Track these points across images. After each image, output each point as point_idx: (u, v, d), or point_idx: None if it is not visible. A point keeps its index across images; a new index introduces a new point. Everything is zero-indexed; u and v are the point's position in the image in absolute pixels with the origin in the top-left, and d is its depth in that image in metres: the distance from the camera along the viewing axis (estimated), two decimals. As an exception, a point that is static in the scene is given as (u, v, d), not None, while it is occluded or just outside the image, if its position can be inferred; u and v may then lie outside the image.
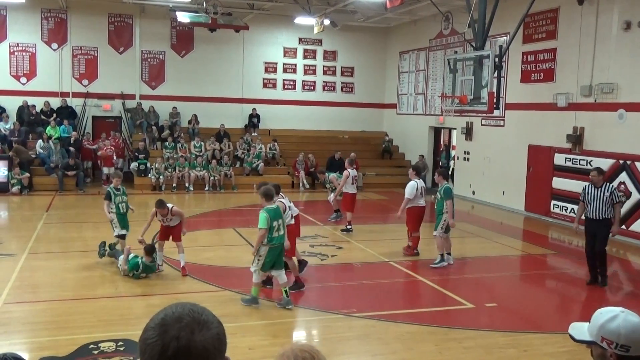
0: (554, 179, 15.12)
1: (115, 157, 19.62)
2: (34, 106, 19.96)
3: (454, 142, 20.85)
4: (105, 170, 19.20)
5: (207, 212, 15.71)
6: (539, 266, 11.26)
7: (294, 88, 23.60)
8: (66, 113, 20.33)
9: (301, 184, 20.23)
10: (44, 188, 17.98)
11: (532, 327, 7.57)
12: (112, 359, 6.06)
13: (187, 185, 19.12)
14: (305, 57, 23.61)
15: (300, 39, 23.28)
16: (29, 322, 7.25)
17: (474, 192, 18.67)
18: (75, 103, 20.81)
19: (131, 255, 9.16)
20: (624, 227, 12.84)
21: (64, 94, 20.77)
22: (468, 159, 19.11)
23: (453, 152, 20.86)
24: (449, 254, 10.61)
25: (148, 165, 19.25)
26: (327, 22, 19.19)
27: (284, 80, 23.40)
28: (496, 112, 15.70)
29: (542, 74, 15.73)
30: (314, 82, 23.80)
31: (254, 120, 22.57)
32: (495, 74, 13.91)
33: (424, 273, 9.98)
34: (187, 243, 10.62)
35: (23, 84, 20.52)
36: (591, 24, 14.07)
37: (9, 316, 7.35)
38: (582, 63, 14.34)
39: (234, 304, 7.92)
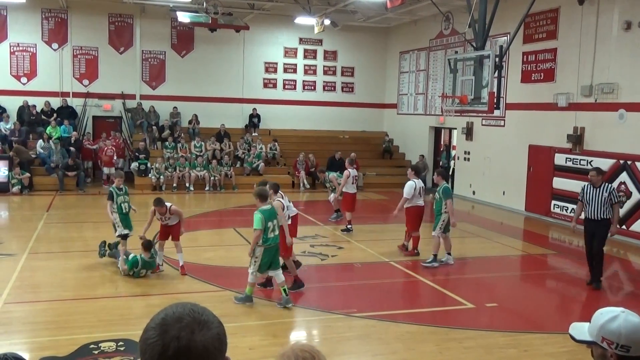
0: (555, 179, 15.12)
1: (115, 157, 19.63)
2: (34, 106, 19.97)
3: (454, 142, 20.84)
4: (106, 170, 19.21)
5: (207, 212, 15.71)
6: (539, 266, 11.26)
7: (295, 88, 23.60)
8: (66, 113, 20.34)
9: (301, 184, 20.23)
10: (44, 188, 17.98)
11: (532, 327, 7.57)
12: (113, 359, 6.06)
13: (187, 185, 19.13)
14: (305, 57, 23.61)
15: (300, 39, 23.28)
16: (29, 322, 7.25)
17: (474, 192, 18.67)
18: (75, 103, 20.81)
19: (131, 255, 9.19)
20: (624, 227, 12.86)
21: (65, 94, 20.78)
22: (468, 159, 19.11)
23: (453, 152, 20.86)
24: (449, 254, 10.61)
25: (148, 165, 19.25)
26: (327, 22, 19.19)
27: (284, 80, 23.41)
28: (496, 112, 15.70)
29: (542, 74, 15.73)
30: (315, 82, 23.80)
31: (254, 120, 22.58)
32: (496, 74, 13.91)
33: (424, 273, 9.98)
34: (188, 243, 10.64)
35: (23, 84, 20.53)
36: (591, 24, 14.07)
37: (10, 316, 7.35)
38: (582, 63, 14.34)
39: (235, 304, 7.92)
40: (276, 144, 21.69)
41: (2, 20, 20.14)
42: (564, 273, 10.73)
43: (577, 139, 14.49)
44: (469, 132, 18.93)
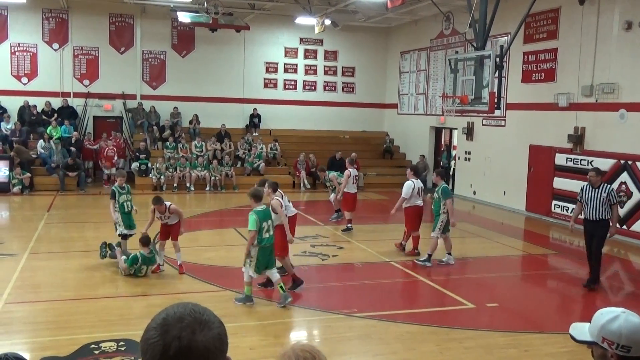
0: (555, 179, 15.11)
1: (116, 157, 19.63)
2: (35, 106, 19.98)
3: (454, 142, 20.84)
4: (106, 171, 19.22)
5: (208, 212, 15.71)
6: (539, 266, 11.26)
7: (295, 88, 23.60)
8: (67, 113, 20.35)
9: (302, 184, 20.23)
10: (45, 188, 17.99)
11: (533, 327, 7.57)
12: (113, 359, 6.07)
13: (188, 185, 19.14)
14: (306, 57, 23.62)
15: (301, 39, 23.28)
16: (30, 322, 7.26)
17: (474, 192, 18.66)
18: (76, 103, 20.82)
19: (131, 255, 9.20)
20: (625, 227, 12.85)
21: (65, 94, 20.79)
22: (469, 159, 19.11)
23: (454, 152, 20.86)
24: (449, 254, 10.61)
25: (149, 165, 19.26)
26: (328, 22, 19.18)
27: (284, 80, 23.41)
28: (497, 112, 15.69)
29: (543, 74, 15.73)
30: (315, 82, 23.80)
31: (254, 120, 22.58)
32: (496, 74, 13.91)
33: (424, 273, 9.98)
34: (188, 243, 10.66)
35: (24, 84, 20.54)
36: (592, 24, 14.07)
37: (10, 316, 7.36)
38: (583, 63, 14.34)
39: (236, 304, 7.92)
40: (277, 144, 21.69)
41: (3, 20, 20.15)
42: (564, 273, 10.72)
43: (577, 139, 14.49)
44: (469, 132, 18.92)
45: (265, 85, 23.17)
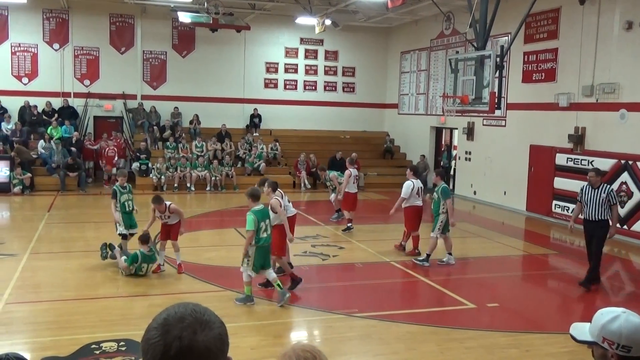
0: (556, 179, 15.11)
1: (117, 158, 19.64)
2: (35, 106, 19.99)
3: (455, 142, 20.84)
4: (107, 173, 19.24)
5: (208, 212, 15.72)
6: (540, 266, 11.25)
7: (295, 88, 23.61)
8: (68, 113, 20.35)
9: (302, 184, 20.23)
10: (45, 188, 18.00)
11: (533, 327, 7.57)
12: (114, 359, 6.07)
13: (188, 185, 19.14)
14: (306, 57, 23.62)
15: (301, 39, 23.28)
16: (30, 322, 7.26)
17: (475, 192, 18.66)
18: (76, 103, 20.83)
19: (130, 255, 9.21)
20: (625, 227, 12.85)
21: (66, 94, 20.80)
22: (469, 159, 19.10)
23: (454, 152, 20.86)
24: (449, 254, 10.61)
25: (149, 165, 19.26)
26: (328, 22, 19.18)
27: (285, 80, 23.42)
28: (497, 112, 15.68)
29: (543, 73, 15.73)
30: (315, 82, 23.80)
31: (255, 120, 22.59)
32: (497, 74, 13.90)
33: (425, 273, 9.98)
34: (189, 243, 10.67)
35: (25, 84, 20.55)
36: (593, 23, 14.06)
37: (11, 316, 7.36)
38: (583, 63, 14.34)
39: (236, 305, 7.92)
40: (277, 144, 21.69)
41: (4, 20, 20.16)
42: (565, 273, 10.72)
43: (578, 139, 14.49)
44: (470, 132, 18.92)
45: (266, 85, 23.18)
